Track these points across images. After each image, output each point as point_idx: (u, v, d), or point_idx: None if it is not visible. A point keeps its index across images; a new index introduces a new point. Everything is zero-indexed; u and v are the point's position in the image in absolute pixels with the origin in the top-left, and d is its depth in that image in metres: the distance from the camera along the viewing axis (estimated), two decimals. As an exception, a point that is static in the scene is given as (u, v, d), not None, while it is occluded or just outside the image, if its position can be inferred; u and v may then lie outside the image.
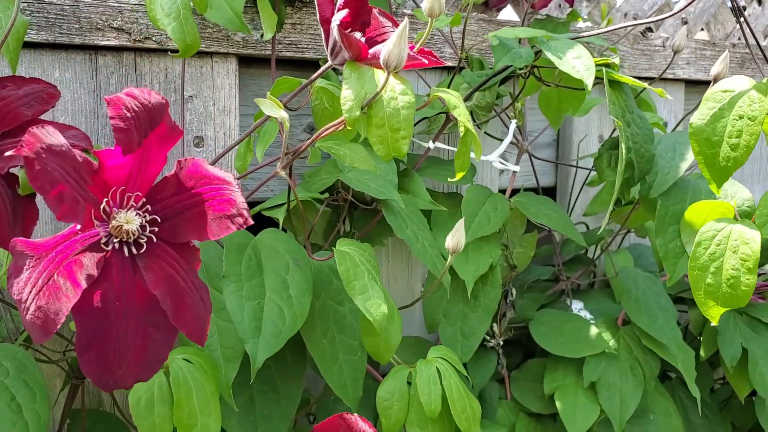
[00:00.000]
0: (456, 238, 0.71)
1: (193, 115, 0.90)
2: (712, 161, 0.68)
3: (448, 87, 0.99)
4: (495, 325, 1.12)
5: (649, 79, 1.35)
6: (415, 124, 0.99)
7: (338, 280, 0.80)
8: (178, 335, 0.52)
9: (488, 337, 1.12)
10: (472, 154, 1.04)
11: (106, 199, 0.50)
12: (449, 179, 0.80)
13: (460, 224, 0.72)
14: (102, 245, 0.50)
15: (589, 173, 1.24)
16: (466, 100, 0.98)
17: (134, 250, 0.51)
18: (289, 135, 1.02)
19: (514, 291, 1.11)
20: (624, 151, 0.80)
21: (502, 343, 1.12)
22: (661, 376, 1.21)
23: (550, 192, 1.32)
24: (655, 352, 1.09)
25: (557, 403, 1.06)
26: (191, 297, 0.51)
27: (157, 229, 0.52)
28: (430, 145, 1.02)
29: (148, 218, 0.51)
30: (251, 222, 0.51)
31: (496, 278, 0.99)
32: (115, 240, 0.50)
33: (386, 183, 0.90)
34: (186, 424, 0.64)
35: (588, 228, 1.27)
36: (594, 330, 1.09)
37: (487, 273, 0.99)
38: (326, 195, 0.94)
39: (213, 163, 0.76)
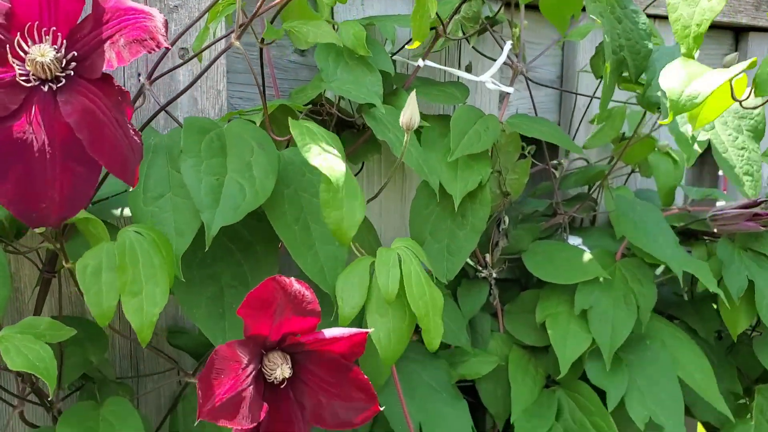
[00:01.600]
0: (409, 113, 0.70)
1: None
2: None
3: None
4: (488, 255, 1.10)
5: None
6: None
7: (311, 174, 0.78)
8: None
9: (480, 268, 1.10)
10: (466, 75, 1.03)
11: (19, 33, 0.51)
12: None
13: (412, 98, 0.70)
14: (21, 82, 0.50)
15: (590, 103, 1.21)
16: (454, 13, 0.96)
17: (53, 87, 0.51)
18: (279, 56, 1.01)
19: (506, 219, 1.09)
20: (608, 42, 0.77)
21: (495, 274, 1.10)
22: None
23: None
24: (652, 284, 1.06)
25: (549, 331, 1.04)
26: (110, 129, 0.51)
27: (75, 64, 0.52)
28: (420, 63, 1.00)
29: (64, 54, 0.52)
30: (165, 45, 0.51)
31: (485, 197, 0.97)
32: (33, 77, 0.51)
33: (370, 91, 0.89)
34: (130, 291, 0.63)
35: (589, 164, 1.24)
36: (588, 257, 1.06)
37: (476, 191, 0.97)
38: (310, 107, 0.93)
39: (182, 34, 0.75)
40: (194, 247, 0.77)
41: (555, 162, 1.17)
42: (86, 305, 0.89)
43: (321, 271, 0.76)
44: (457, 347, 1.08)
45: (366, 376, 0.62)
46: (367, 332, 0.60)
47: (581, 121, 1.24)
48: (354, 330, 0.60)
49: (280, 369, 0.62)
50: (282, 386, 0.63)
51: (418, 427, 0.96)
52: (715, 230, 1.07)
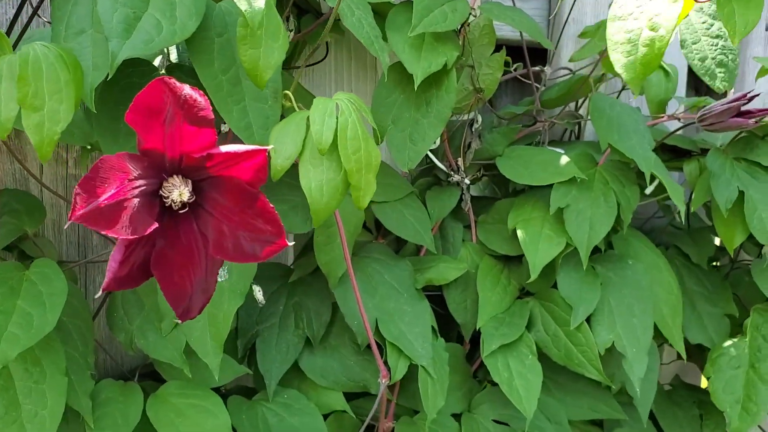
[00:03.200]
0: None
1: None
2: None
3: None
4: (460, 159, 1.04)
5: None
6: None
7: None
8: None
9: (452, 173, 1.04)
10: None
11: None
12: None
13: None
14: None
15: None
16: None
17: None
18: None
19: (479, 118, 1.03)
20: None
21: (467, 180, 1.04)
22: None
23: (542, 52, 1.23)
24: (634, 185, 0.99)
25: (519, 234, 0.98)
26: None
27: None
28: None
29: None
30: None
31: (450, 84, 0.91)
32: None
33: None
34: (31, 105, 0.59)
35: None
36: (565, 159, 1.00)
37: (441, 77, 0.92)
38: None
39: None
40: (121, 98, 0.74)
41: (537, 68, 1.11)
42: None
43: (248, 127, 0.71)
44: (427, 254, 1.03)
45: (273, 206, 0.57)
46: (266, 149, 0.55)
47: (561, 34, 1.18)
48: (252, 147, 0.55)
49: (177, 191, 0.57)
50: (183, 214, 0.58)
51: (374, 324, 0.91)
52: (703, 130, 1.00)
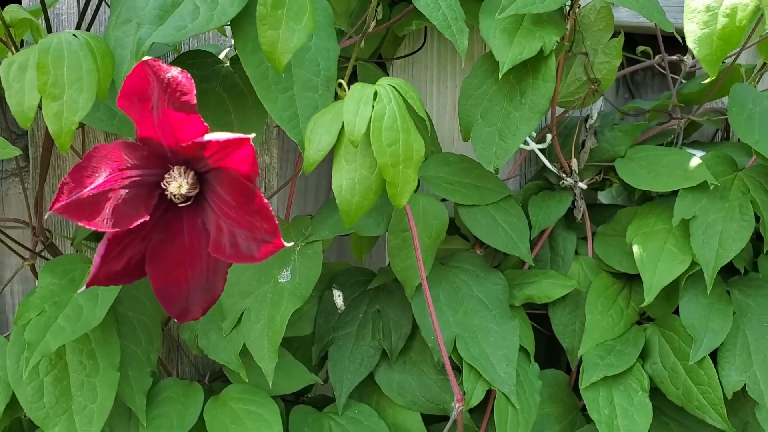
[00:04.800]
0: None
1: None
2: None
3: None
4: (574, 161, 0.92)
5: None
6: None
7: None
8: None
9: (564, 175, 0.92)
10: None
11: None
12: None
13: None
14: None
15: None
16: None
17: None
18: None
19: (595, 113, 0.90)
20: None
21: (582, 183, 0.91)
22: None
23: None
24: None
25: (635, 249, 0.84)
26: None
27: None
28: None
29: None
30: None
31: (549, 71, 0.80)
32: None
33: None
34: (51, 94, 0.57)
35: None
36: (696, 162, 0.84)
37: (538, 63, 0.80)
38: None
39: None
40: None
41: (675, 57, 0.95)
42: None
43: (293, 117, 0.66)
44: (532, 266, 0.92)
45: (268, 203, 0.51)
46: (248, 137, 0.48)
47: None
48: (235, 135, 0.49)
49: (176, 182, 0.53)
50: (187, 207, 0.54)
51: (452, 341, 0.82)
52: None
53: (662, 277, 0.82)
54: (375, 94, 0.61)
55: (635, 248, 0.84)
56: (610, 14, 0.86)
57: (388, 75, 0.99)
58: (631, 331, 0.87)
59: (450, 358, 0.81)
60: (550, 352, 0.96)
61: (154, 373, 0.79)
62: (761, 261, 0.87)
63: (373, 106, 0.61)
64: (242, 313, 0.79)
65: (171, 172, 0.54)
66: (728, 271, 0.87)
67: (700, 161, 0.84)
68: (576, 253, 0.93)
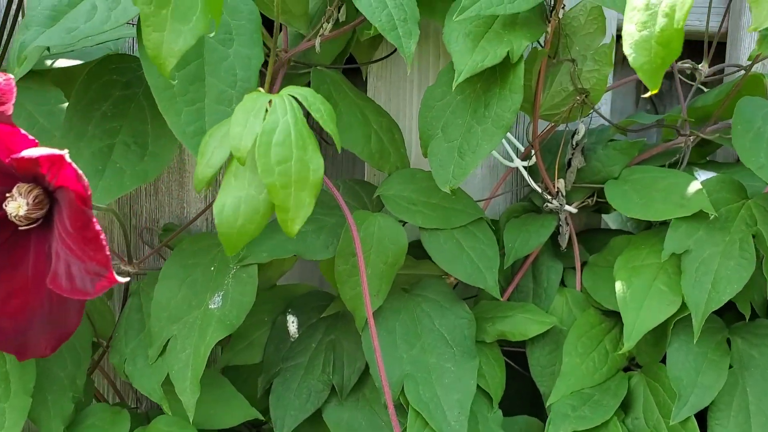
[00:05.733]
0: None
1: None
2: None
3: None
4: (562, 181, 0.81)
5: None
6: None
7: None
8: None
9: (549, 197, 0.81)
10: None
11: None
12: None
13: None
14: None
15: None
16: None
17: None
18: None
19: (583, 128, 0.79)
20: None
21: (571, 206, 0.81)
22: None
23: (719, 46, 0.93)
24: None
25: (617, 285, 0.73)
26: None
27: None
28: None
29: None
30: None
31: (516, 79, 0.70)
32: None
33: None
34: None
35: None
36: (695, 187, 0.72)
37: (506, 72, 0.71)
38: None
39: None
40: (97, 97, 0.67)
41: (687, 65, 0.83)
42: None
43: (199, 133, 0.59)
44: (514, 298, 0.82)
45: (100, 231, 0.44)
46: (60, 154, 0.42)
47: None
48: (47, 151, 0.42)
49: (15, 203, 0.47)
50: (32, 231, 0.48)
51: (401, 380, 0.73)
52: None
53: (647, 319, 0.70)
54: (270, 104, 0.54)
55: (618, 284, 0.73)
56: (602, 16, 0.75)
57: (365, 80, 0.92)
58: (614, 379, 0.75)
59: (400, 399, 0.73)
60: (537, 395, 0.86)
61: (77, 398, 0.74)
62: (773, 305, 0.74)
63: (265, 118, 0.53)
64: (168, 340, 0.73)
65: (12, 190, 0.48)
66: (735, 315, 0.75)
67: (699, 186, 0.72)
68: (563, 285, 0.83)
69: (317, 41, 0.75)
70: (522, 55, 0.70)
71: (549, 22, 0.74)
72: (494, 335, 0.79)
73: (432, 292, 0.79)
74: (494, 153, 0.86)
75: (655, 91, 0.49)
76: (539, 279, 0.83)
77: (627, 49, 0.49)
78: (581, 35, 0.76)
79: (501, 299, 0.77)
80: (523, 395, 0.83)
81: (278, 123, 0.53)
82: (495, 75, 0.72)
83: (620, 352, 0.73)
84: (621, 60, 1.00)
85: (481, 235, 0.78)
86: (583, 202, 0.82)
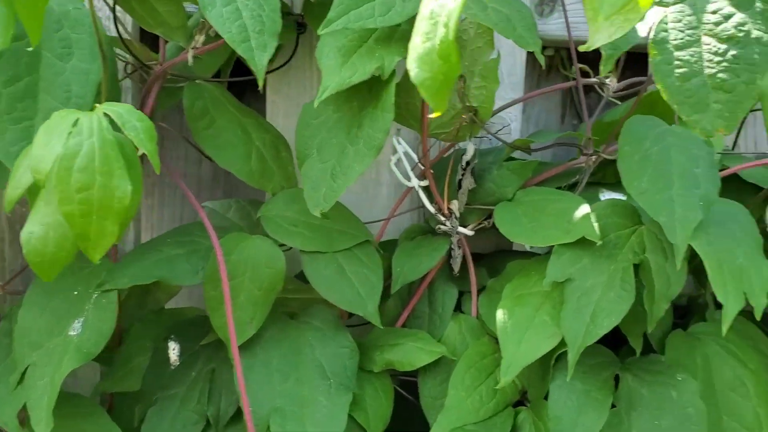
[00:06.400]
0: None
1: None
2: None
3: None
4: (455, 202, 0.77)
5: None
6: None
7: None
8: None
9: (443, 218, 0.77)
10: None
11: None
12: None
13: None
14: None
15: None
16: None
17: None
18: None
19: (472, 148, 0.75)
20: None
21: (466, 229, 0.76)
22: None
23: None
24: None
25: (499, 315, 0.68)
26: None
27: None
28: None
29: None
30: None
31: (388, 97, 0.66)
32: None
33: None
34: None
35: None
36: (583, 212, 0.67)
37: (379, 91, 0.67)
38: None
39: None
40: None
41: (594, 79, 0.78)
42: None
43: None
44: (410, 325, 0.78)
45: None
46: None
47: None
48: None
49: None
50: None
51: (267, 414, 0.69)
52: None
53: (527, 352, 0.66)
54: (77, 122, 0.50)
55: (500, 314, 0.68)
56: (490, 29, 0.71)
57: (263, 92, 0.87)
58: (501, 415, 0.71)
59: (271, 434, 0.69)
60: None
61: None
62: (670, 340, 0.69)
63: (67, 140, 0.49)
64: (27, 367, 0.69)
65: None
66: (630, 349, 0.70)
67: (587, 211, 0.68)
68: (461, 311, 0.79)
69: (189, 54, 0.72)
70: (394, 72, 0.66)
71: (433, 35, 0.70)
72: (382, 364, 0.74)
73: (317, 319, 0.75)
74: (396, 171, 0.82)
75: (438, 113, 0.44)
76: (434, 304, 0.79)
77: (410, 63, 0.45)
78: (470, 50, 0.72)
79: (381, 327, 0.73)
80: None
81: (82, 146, 0.49)
82: (371, 93, 0.68)
83: (498, 387, 0.68)
84: (544, 73, 0.96)
85: (365, 258, 0.74)
86: (479, 224, 0.78)
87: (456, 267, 0.77)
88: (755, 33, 0.46)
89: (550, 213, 0.70)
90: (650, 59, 0.47)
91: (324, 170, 0.68)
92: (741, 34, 0.46)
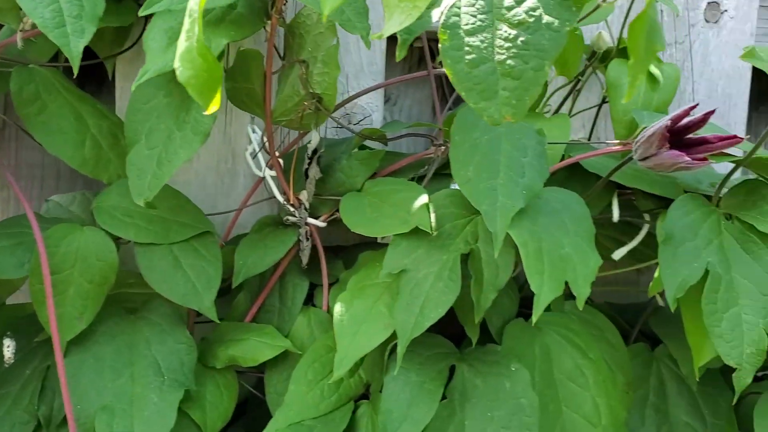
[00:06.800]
0: None
1: None
2: None
3: None
4: (304, 192, 0.75)
5: None
6: None
7: None
8: None
9: (291, 208, 0.75)
10: None
11: None
12: None
13: None
14: None
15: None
16: None
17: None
18: None
19: (317, 137, 0.73)
20: None
21: (318, 220, 0.74)
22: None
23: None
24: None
25: (336, 308, 0.67)
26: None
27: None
28: None
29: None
30: None
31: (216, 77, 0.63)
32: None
33: None
34: None
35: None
36: (422, 201, 0.66)
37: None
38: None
39: None
40: None
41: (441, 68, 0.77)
42: None
43: None
44: (260, 319, 0.76)
45: None
46: None
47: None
48: None
49: None
50: None
51: (93, 411, 0.66)
52: (643, 166, 0.61)
53: (360, 345, 0.64)
54: None
55: (337, 307, 0.67)
56: (332, 14, 0.69)
57: (112, 75, 0.84)
58: (342, 409, 0.69)
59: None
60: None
61: None
62: (507, 330, 0.69)
63: None
64: None
65: None
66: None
67: (426, 201, 0.66)
68: (313, 304, 0.77)
69: (18, 36, 0.69)
70: (223, 55, 0.64)
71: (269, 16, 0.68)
72: (225, 360, 0.72)
73: (157, 315, 0.73)
74: (249, 160, 0.80)
75: (208, 111, 0.42)
76: (284, 298, 0.77)
77: (175, 62, 0.43)
78: (313, 35, 0.70)
79: (218, 322, 0.70)
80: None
81: None
82: (201, 76, 0.65)
83: (331, 381, 0.67)
84: (415, 65, 0.95)
85: (204, 250, 0.71)
86: (331, 215, 0.76)
87: (305, 259, 0.75)
88: (546, 18, 0.45)
89: (392, 203, 0.69)
90: (440, 45, 0.46)
91: (150, 157, 0.65)
92: (532, 20, 0.46)
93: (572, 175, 0.75)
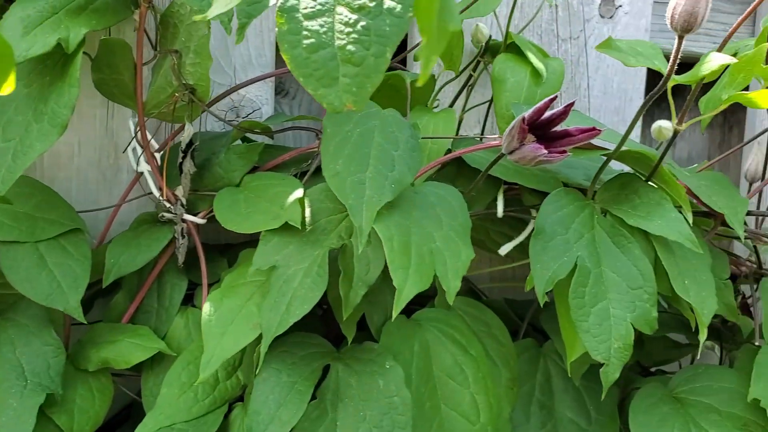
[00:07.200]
0: None
1: None
2: None
3: None
4: (180, 188, 0.72)
5: None
6: None
7: None
8: None
9: (168, 204, 0.73)
10: None
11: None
12: None
13: None
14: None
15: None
16: None
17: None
18: None
19: (190, 129, 0.70)
20: None
21: (196, 217, 0.72)
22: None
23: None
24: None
25: (205, 307, 0.64)
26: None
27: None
28: None
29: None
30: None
31: (73, 72, 0.60)
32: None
33: None
34: None
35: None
36: (296, 196, 0.64)
37: (66, 64, 0.61)
38: None
39: None
40: None
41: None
42: None
43: None
44: (138, 320, 0.73)
45: None
46: None
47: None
48: None
49: None
50: None
51: (-55, 421, 0.62)
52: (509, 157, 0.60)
53: (228, 346, 0.62)
54: None
55: (206, 306, 0.64)
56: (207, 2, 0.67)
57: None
58: (216, 413, 0.67)
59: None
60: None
61: None
62: (386, 327, 0.67)
63: None
64: None
65: None
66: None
67: (300, 195, 0.65)
68: (194, 305, 0.74)
69: None
70: (82, 45, 0.61)
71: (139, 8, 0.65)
72: (98, 363, 0.69)
73: (25, 316, 0.69)
74: (129, 155, 0.77)
75: (2, 91, 0.40)
76: (162, 298, 0.74)
77: None
78: (186, 25, 0.68)
79: (85, 323, 0.67)
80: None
81: None
82: (61, 67, 0.62)
83: (197, 383, 0.64)
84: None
85: (71, 248, 0.68)
86: (211, 212, 0.73)
87: (181, 257, 0.72)
88: (388, 3, 0.44)
89: (268, 198, 0.67)
90: (277, 29, 0.44)
91: (6, 150, 0.62)
92: (373, 4, 0.44)
93: (460, 171, 0.75)
